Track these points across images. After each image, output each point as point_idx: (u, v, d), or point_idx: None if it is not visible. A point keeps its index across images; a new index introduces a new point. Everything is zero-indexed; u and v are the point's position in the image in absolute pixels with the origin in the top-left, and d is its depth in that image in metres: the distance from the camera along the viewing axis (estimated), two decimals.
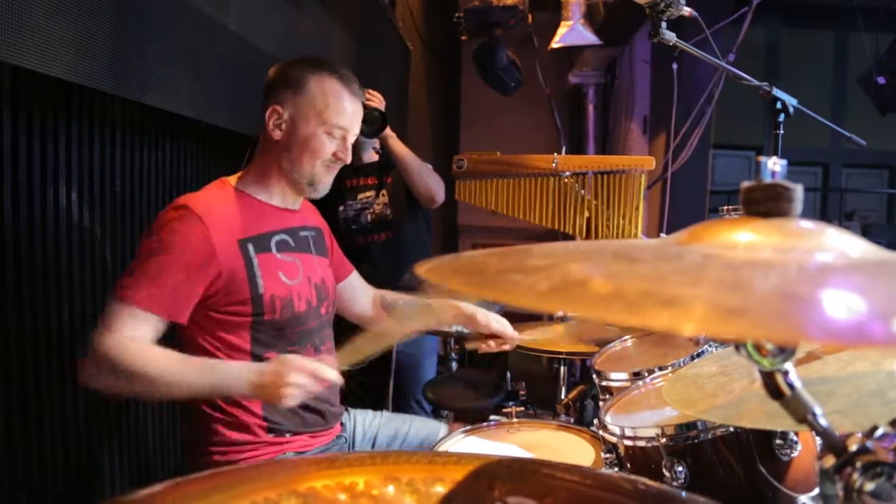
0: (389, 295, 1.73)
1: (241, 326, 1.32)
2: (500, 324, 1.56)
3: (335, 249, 1.66)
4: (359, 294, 1.72)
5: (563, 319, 2.34)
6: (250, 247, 1.33)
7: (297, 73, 1.39)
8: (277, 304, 1.34)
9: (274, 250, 1.38)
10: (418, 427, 1.64)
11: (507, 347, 1.59)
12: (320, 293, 1.46)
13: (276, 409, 1.34)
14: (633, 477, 0.62)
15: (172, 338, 1.30)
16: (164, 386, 1.18)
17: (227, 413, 1.32)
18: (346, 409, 1.60)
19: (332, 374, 1.20)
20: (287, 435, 1.37)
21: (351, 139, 1.43)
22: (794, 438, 1.00)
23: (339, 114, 1.39)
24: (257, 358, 1.33)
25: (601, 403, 1.46)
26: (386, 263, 2.42)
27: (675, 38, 1.69)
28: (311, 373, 1.17)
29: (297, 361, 1.19)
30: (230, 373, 1.21)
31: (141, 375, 1.16)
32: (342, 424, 1.54)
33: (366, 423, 1.61)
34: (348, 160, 1.44)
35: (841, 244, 0.49)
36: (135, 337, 1.19)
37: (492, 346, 1.57)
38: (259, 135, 1.44)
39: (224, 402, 1.32)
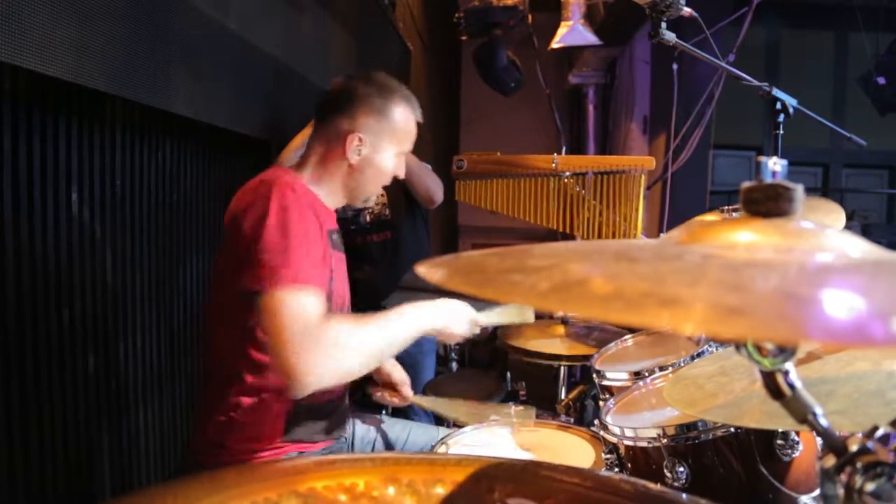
0: None
1: None
2: (400, 376, 1.65)
3: None
4: None
5: (563, 321, 2.34)
6: (329, 241, 1.36)
7: (380, 102, 1.40)
8: (337, 301, 1.37)
9: (332, 248, 1.39)
10: (417, 433, 1.64)
11: (397, 402, 1.67)
12: (350, 291, 1.50)
13: (301, 423, 1.34)
14: (633, 479, 0.62)
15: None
16: (386, 347, 1.23)
17: (250, 420, 1.30)
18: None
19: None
20: (300, 443, 1.37)
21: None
22: (796, 438, 1.00)
23: (411, 139, 1.46)
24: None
25: (601, 403, 1.46)
26: (384, 263, 2.42)
27: (675, 39, 1.69)
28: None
29: (465, 312, 1.37)
30: (419, 317, 1.29)
31: (366, 345, 1.19)
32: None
33: (365, 427, 1.61)
34: (403, 176, 1.51)
35: (841, 244, 0.49)
36: (319, 314, 1.16)
37: (385, 397, 1.66)
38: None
39: (253, 411, 1.29)
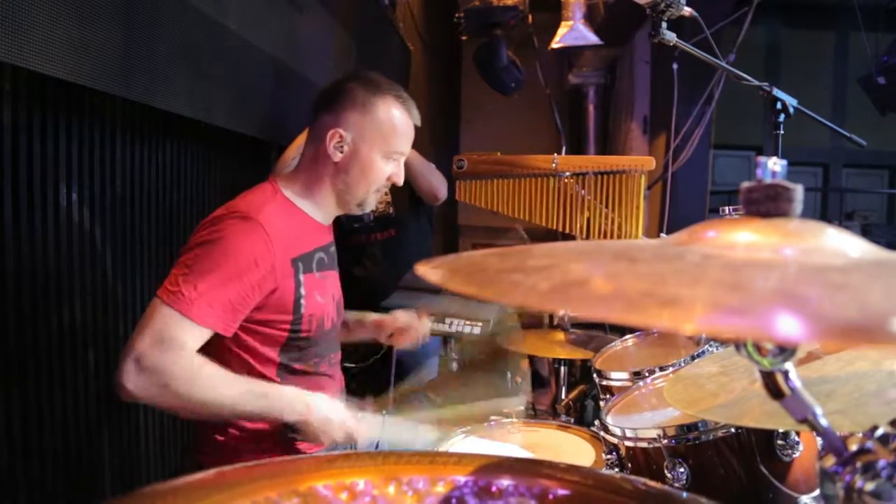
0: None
1: (276, 340, 1.32)
2: (402, 322, 1.65)
3: None
4: None
5: (563, 327, 2.33)
6: (300, 265, 1.33)
7: (363, 96, 1.37)
8: (314, 323, 1.35)
9: (315, 270, 1.38)
10: (419, 433, 1.63)
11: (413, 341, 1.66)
12: (338, 309, 1.49)
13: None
14: (633, 477, 0.62)
15: None
16: (216, 408, 1.16)
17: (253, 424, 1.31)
18: None
19: (365, 441, 1.31)
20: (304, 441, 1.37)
21: (403, 160, 1.44)
22: (796, 438, 1.00)
23: (402, 139, 1.39)
24: (284, 367, 1.34)
25: (602, 403, 1.46)
26: (388, 261, 2.43)
27: (675, 38, 1.69)
28: (351, 434, 1.27)
29: (345, 423, 1.26)
30: (282, 400, 1.22)
31: (194, 397, 1.13)
32: None
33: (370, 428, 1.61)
34: (401, 183, 1.45)
35: (841, 244, 0.49)
36: (186, 348, 1.14)
37: (401, 342, 1.66)
38: (298, 146, 1.43)
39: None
